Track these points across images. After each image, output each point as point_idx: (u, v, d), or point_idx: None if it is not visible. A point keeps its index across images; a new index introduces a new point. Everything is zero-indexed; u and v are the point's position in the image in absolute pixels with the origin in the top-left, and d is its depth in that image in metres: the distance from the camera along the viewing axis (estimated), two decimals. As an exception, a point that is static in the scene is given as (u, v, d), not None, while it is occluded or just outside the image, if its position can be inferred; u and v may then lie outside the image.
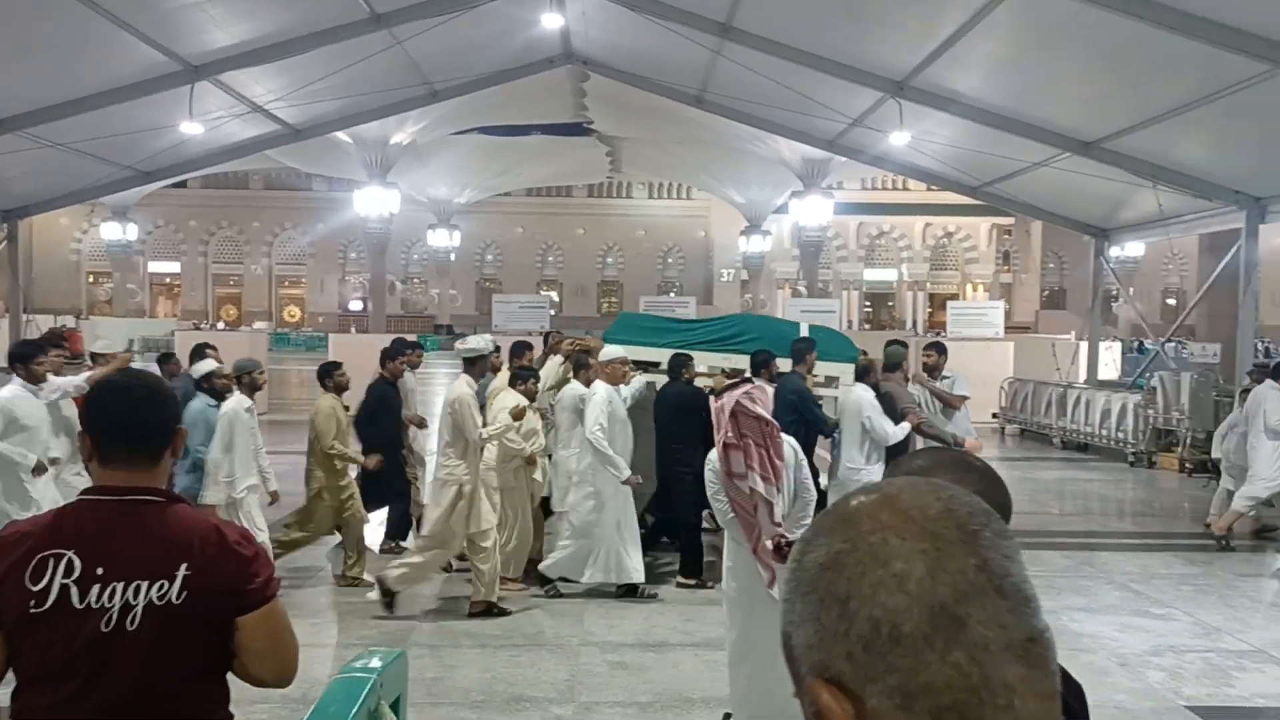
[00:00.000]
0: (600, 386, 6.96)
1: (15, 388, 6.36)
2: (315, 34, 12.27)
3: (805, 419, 7.00)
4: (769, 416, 4.67)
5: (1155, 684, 5.52)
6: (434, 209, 35.02)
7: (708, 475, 4.67)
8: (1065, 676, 1.46)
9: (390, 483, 7.87)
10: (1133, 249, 36.08)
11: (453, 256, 37.76)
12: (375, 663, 2.66)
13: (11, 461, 6.08)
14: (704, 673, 5.45)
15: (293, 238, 45.69)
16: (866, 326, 39.98)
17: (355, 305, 44.48)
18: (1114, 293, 30.16)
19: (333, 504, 7.19)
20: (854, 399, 7.16)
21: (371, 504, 7.71)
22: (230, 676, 2.03)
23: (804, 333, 8.20)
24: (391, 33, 12.58)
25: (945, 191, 18.25)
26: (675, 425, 7.24)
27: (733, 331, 8.52)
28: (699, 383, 7.55)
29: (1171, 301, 44.85)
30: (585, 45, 15.89)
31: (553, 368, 8.14)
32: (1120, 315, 40.19)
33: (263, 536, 6.15)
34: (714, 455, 4.59)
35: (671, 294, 40.27)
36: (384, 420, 7.87)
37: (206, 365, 7.00)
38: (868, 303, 44.41)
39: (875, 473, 6.82)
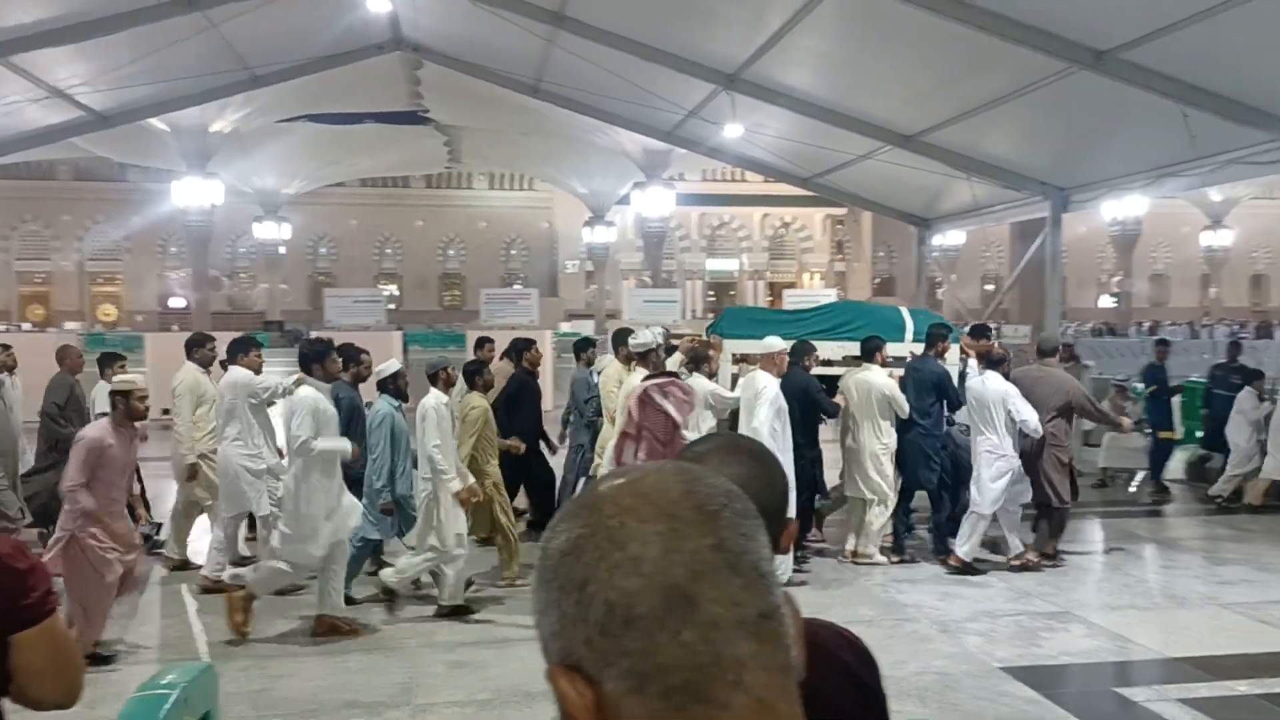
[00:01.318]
0: (766, 378, 6.95)
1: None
2: (122, 14, 11.48)
3: (948, 400, 7.75)
4: (677, 416, 4.64)
5: (972, 648, 5.84)
6: (261, 200, 33.48)
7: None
8: (856, 646, 1.50)
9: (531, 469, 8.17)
10: (954, 237, 38.09)
11: (283, 250, 36.17)
12: (176, 678, 2.50)
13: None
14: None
15: (106, 231, 42.76)
16: (710, 315, 40.77)
17: (177, 302, 42.11)
18: (938, 279, 31.78)
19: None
20: (994, 388, 7.49)
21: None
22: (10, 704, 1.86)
23: (907, 318, 8.70)
24: (206, 15, 11.91)
25: (780, 183, 18.75)
26: (794, 412, 7.17)
27: (842, 320, 8.87)
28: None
29: (990, 287, 47.59)
30: (415, 31, 15.49)
31: (615, 368, 7.98)
32: (945, 300, 42.41)
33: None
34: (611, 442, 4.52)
35: (515, 285, 39.91)
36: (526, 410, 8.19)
37: (393, 366, 6.96)
38: (711, 292, 45.27)
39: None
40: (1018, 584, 7.20)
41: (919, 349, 8.15)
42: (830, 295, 18.83)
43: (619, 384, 7.65)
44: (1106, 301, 57.27)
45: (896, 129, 12.89)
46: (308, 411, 5.91)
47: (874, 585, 7.13)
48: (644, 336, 7.00)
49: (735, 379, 7.86)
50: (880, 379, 7.73)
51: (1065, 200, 13.77)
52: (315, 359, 6.40)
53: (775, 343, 7.28)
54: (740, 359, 8.04)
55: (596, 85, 13.88)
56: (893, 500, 7.74)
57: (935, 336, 8.00)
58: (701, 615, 0.68)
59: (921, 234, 17.73)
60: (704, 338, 8.50)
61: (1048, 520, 7.77)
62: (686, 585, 0.68)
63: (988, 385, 7.55)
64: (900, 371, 7.99)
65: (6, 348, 8.06)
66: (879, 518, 7.71)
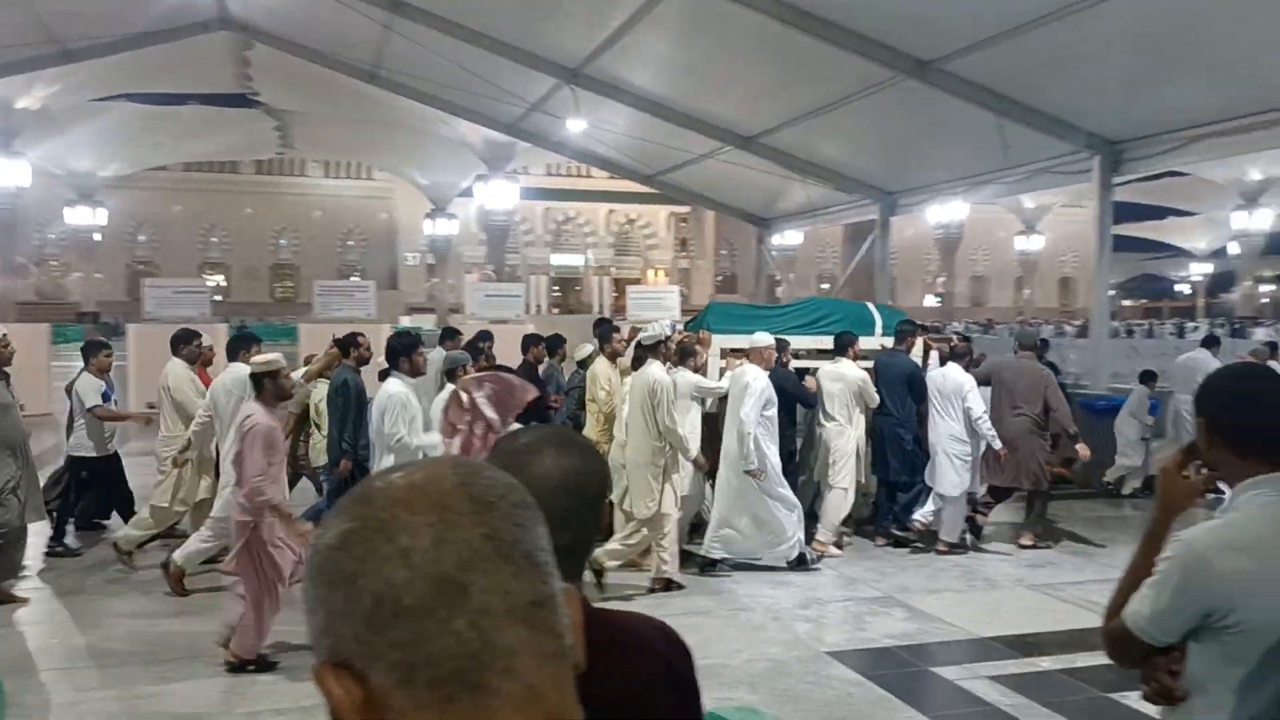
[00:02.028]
0: (755, 371, 7.15)
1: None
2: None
3: (915, 394, 8.12)
4: (492, 415, 4.54)
5: (802, 634, 6.02)
6: (74, 184, 31.27)
7: None
8: (671, 638, 1.51)
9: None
10: (791, 237, 39.34)
11: (98, 237, 33.91)
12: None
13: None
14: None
15: (-104, 214, 39.03)
16: (555, 311, 40.69)
17: (-21, 291, 38.80)
18: (778, 277, 32.75)
19: None
20: (953, 379, 7.98)
21: None
22: None
23: (875, 314, 9.11)
24: (10, -18, 11.03)
25: (626, 180, 18.90)
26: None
27: (819, 315, 9.11)
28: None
29: (826, 285, 49.46)
30: (244, 10, 14.77)
31: (603, 364, 7.93)
32: (784, 299, 43.76)
33: None
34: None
35: (353, 278, 38.68)
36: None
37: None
38: (556, 287, 45.22)
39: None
40: (846, 571, 7.47)
41: (888, 343, 8.58)
42: (674, 292, 19.07)
43: (609, 380, 7.72)
44: (931, 301, 60.40)
45: (737, 130, 13.19)
46: (400, 407, 5.86)
47: (711, 577, 7.25)
48: (654, 329, 7.13)
49: (723, 372, 8.01)
50: (853, 371, 8.08)
51: (893, 204, 14.43)
52: (402, 353, 6.21)
53: (764, 338, 7.46)
54: (731, 352, 8.17)
55: (437, 74, 13.61)
56: (852, 493, 8.09)
57: (904, 332, 8.52)
58: (472, 604, 0.68)
59: (761, 233, 18.22)
60: (691, 333, 8.64)
61: (1038, 502, 8.33)
62: (457, 574, 0.68)
63: (948, 377, 8.06)
64: (870, 363, 8.41)
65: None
66: (838, 509, 7.97)
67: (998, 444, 7.88)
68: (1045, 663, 5.57)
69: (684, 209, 42.97)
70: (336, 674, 0.68)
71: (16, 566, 6.69)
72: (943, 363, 8.37)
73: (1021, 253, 50.97)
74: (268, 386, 5.38)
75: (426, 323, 26.88)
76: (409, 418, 5.88)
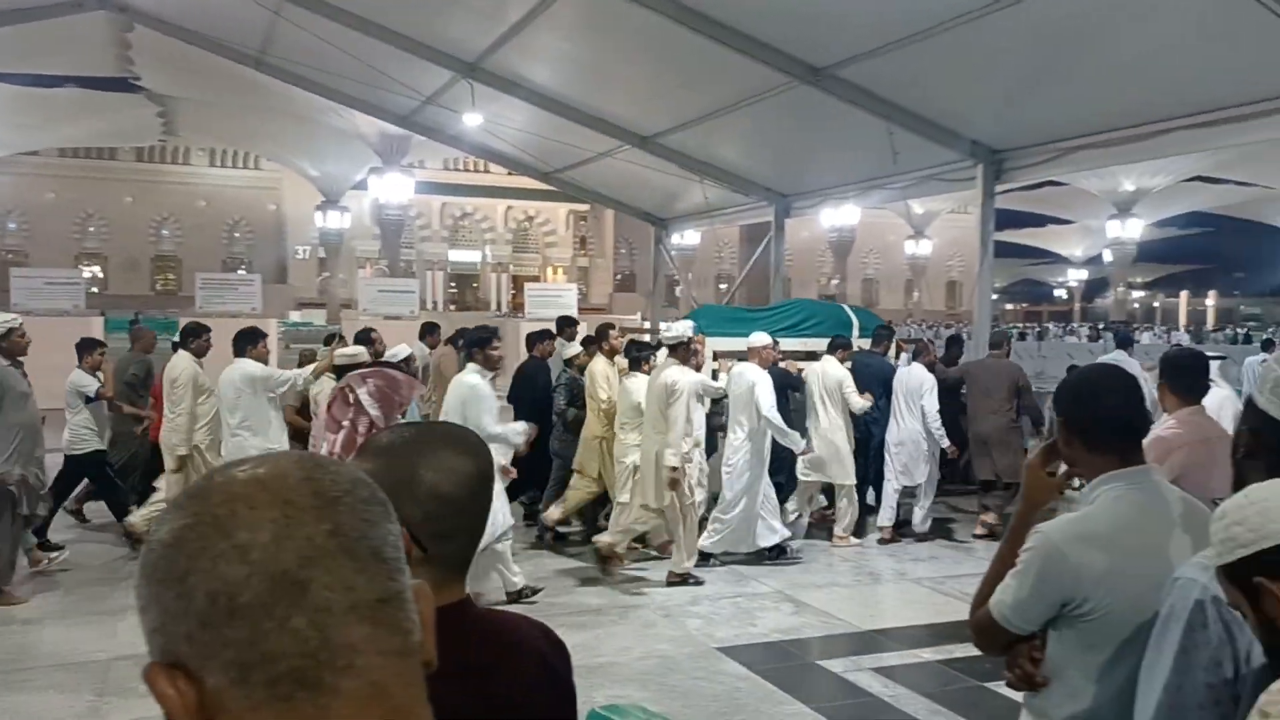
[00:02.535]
0: (757, 370, 7.57)
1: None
2: None
3: (890, 395, 8.56)
4: (374, 413, 4.43)
5: (693, 630, 6.08)
6: (-64, 167, 29.46)
7: None
8: (551, 638, 1.51)
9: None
10: (690, 237, 39.62)
11: (-36, 223, 32.00)
12: None
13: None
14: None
15: None
16: (452, 307, 40.15)
17: None
18: (676, 277, 33.01)
19: None
20: (917, 377, 8.50)
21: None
22: None
23: (852, 316, 9.68)
24: None
25: (524, 176, 18.76)
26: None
27: (801, 317, 9.57)
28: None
29: (724, 286, 50.05)
30: (125, -11, 14.13)
31: (602, 362, 8.13)
32: (682, 298, 44.15)
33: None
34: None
35: (240, 270, 37.43)
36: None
37: (404, 350, 7.53)
38: (453, 283, 44.61)
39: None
40: (737, 568, 7.57)
41: (865, 344, 9.04)
42: (572, 290, 19.05)
43: (607, 379, 7.97)
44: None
45: (635, 129, 13.20)
46: (481, 398, 6.08)
47: (603, 573, 7.26)
48: (677, 329, 7.42)
49: (715, 373, 8.28)
50: (838, 370, 8.37)
51: (788, 206, 14.67)
52: (478, 345, 6.48)
53: (762, 337, 7.86)
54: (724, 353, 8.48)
55: (328, 63, 13.24)
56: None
57: (882, 335, 9.20)
58: (312, 601, 0.67)
59: (659, 233, 18.30)
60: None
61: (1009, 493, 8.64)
62: (296, 571, 0.67)
63: (912, 375, 8.56)
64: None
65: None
66: (853, 504, 8.40)
67: (945, 443, 8.31)
68: (925, 654, 5.75)
69: (583, 207, 42.93)
70: (169, 674, 0.66)
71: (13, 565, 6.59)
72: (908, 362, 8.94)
73: (911, 256, 52.53)
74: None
75: (317, 318, 26.17)
76: (489, 408, 6.15)
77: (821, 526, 8.66)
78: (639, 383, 7.46)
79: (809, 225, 49.99)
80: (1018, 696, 2.25)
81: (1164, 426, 3.50)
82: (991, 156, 10.83)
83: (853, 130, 10.93)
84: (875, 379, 8.60)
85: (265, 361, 7.42)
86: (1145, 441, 3.54)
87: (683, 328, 7.46)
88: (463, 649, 1.33)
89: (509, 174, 25.44)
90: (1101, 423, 2.11)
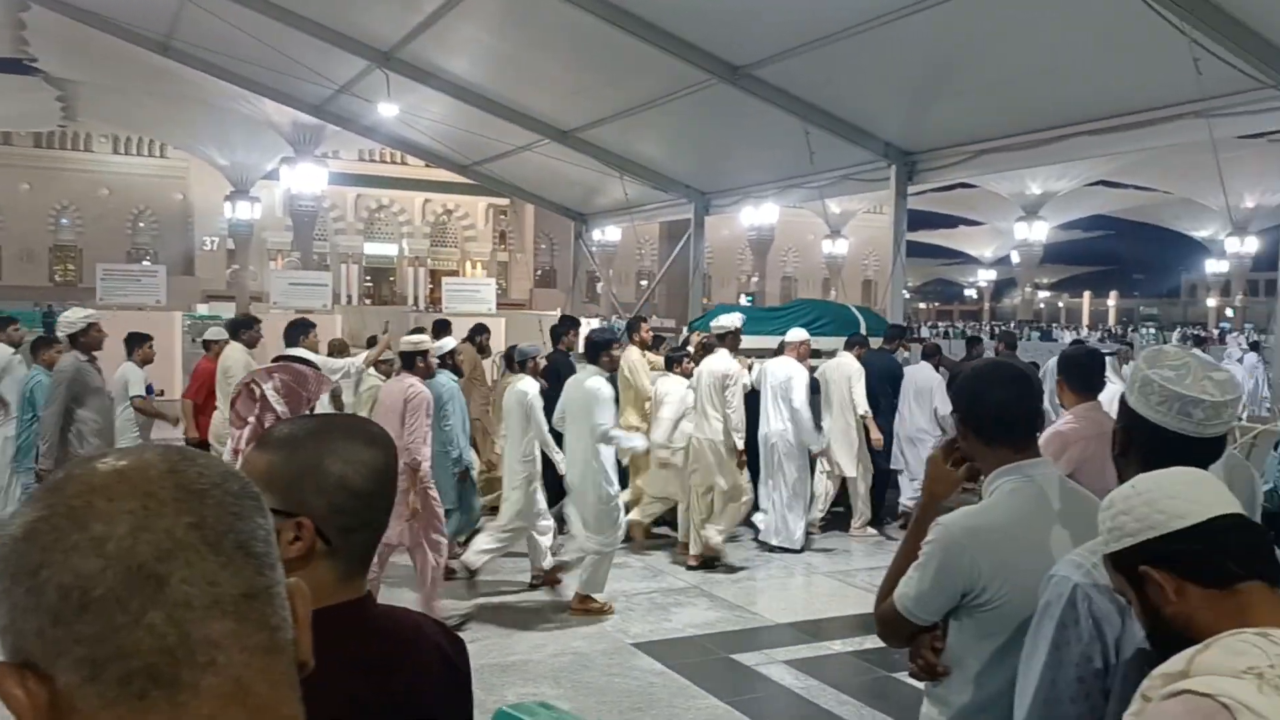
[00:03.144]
0: (795, 365, 7.91)
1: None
2: None
3: (898, 393, 8.90)
4: (280, 408, 4.30)
5: (607, 626, 6.07)
6: None
7: None
8: (450, 634, 1.49)
9: None
10: (611, 233, 39.55)
11: None
12: None
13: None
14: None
15: None
16: (368, 301, 39.44)
17: None
18: (597, 273, 32.97)
19: None
20: (925, 377, 8.89)
21: None
22: None
23: (859, 316, 10.12)
24: None
25: (442, 169, 18.49)
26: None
27: (812, 317, 10.03)
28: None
29: (645, 283, 50.18)
30: (20, -34, 13.53)
31: (635, 354, 8.36)
32: (602, 295, 44.12)
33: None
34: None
35: (145, 261, 36.17)
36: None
37: (450, 343, 7.53)
38: (368, 277, 43.81)
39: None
40: (654, 564, 7.59)
41: (876, 342, 9.45)
42: (491, 285, 18.87)
43: (644, 370, 8.27)
44: (744, 299, 62.36)
45: (555, 123, 13.14)
46: (605, 401, 6.23)
47: (518, 571, 7.21)
48: (726, 321, 7.91)
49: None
50: (852, 366, 8.62)
51: (707, 204, 14.77)
52: (604, 347, 6.53)
53: (800, 333, 8.22)
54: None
55: (238, 50, 12.87)
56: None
57: (894, 334, 9.69)
58: (170, 596, 0.65)
59: (579, 228, 18.26)
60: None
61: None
62: (154, 565, 0.65)
63: (920, 373, 9.01)
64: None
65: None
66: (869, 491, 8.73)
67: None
68: (836, 645, 5.85)
69: (503, 201, 42.54)
70: (19, 675, 0.64)
71: None
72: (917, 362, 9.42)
73: (828, 255, 53.30)
74: (419, 364, 6.25)
75: (226, 310, 25.44)
76: (610, 411, 6.34)
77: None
78: (672, 383, 7.95)
79: (729, 223, 50.39)
80: (922, 686, 2.29)
81: (1062, 421, 3.62)
82: (904, 158, 11.07)
83: (771, 129, 11.05)
84: (886, 376, 8.97)
85: (315, 350, 7.29)
86: (1044, 436, 3.66)
87: (732, 319, 7.96)
88: (363, 644, 1.31)
89: (427, 166, 25.04)
90: (994, 418, 2.16)
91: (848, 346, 8.87)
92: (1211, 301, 58.12)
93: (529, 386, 6.87)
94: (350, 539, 1.32)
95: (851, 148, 10.99)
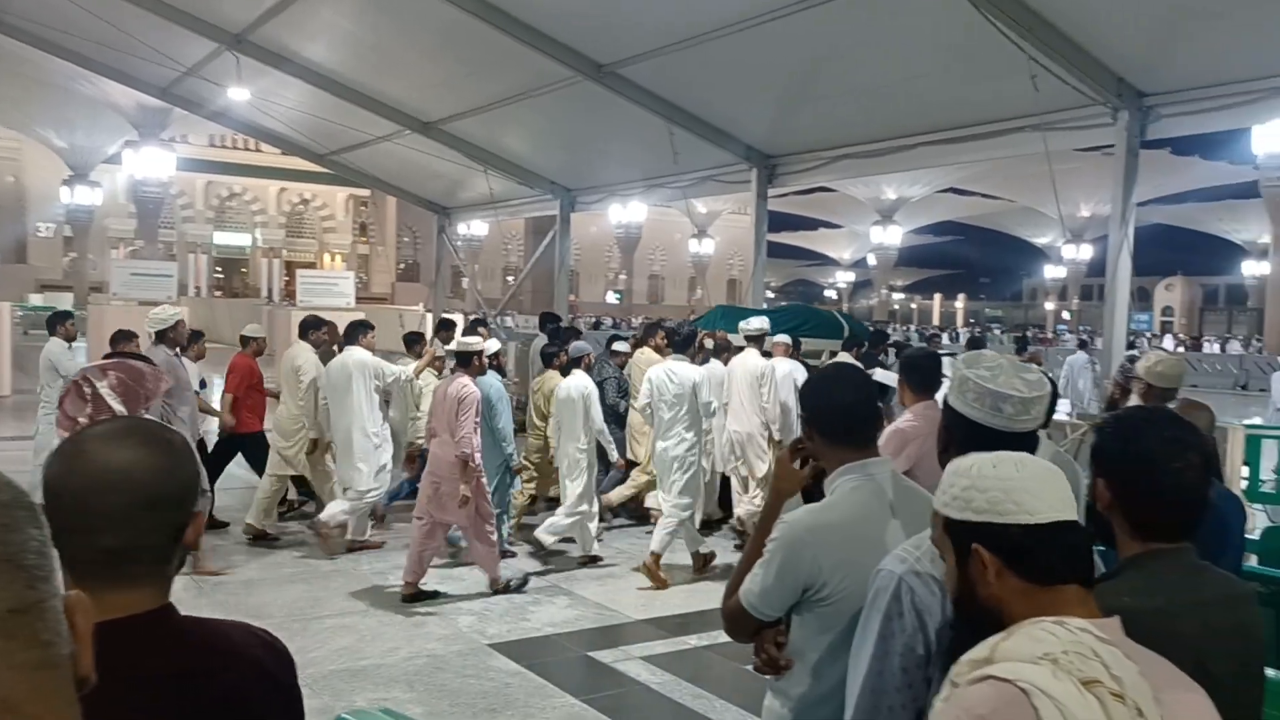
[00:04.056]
0: (790, 363, 8.56)
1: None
2: None
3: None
4: (117, 406, 4.04)
5: (464, 628, 5.98)
6: None
7: None
8: (272, 647, 1.42)
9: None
10: (478, 228, 39.09)
11: None
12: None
13: None
14: None
15: None
16: (218, 293, 37.80)
17: None
18: (462, 268, 32.50)
19: None
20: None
21: None
22: None
23: (843, 321, 10.99)
24: None
25: (298, 157, 17.86)
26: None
27: (800, 320, 10.69)
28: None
29: (511, 278, 49.80)
30: None
31: (649, 355, 8.92)
32: (468, 289, 43.52)
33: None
34: None
35: (-29, 248, 33.67)
36: None
37: (494, 345, 8.10)
38: (219, 268, 41.96)
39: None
40: (514, 563, 7.51)
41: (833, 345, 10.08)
42: (349, 278, 18.36)
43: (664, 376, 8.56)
44: (612, 297, 62.68)
45: (416, 114, 12.88)
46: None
47: (373, 574, 7.03)
48: (755, 324, 8.46)
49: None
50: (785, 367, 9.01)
51: (573, 201, 14.76)
52: (689, 341, 7.82)
53: (782, 337, 8.91)
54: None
55: (75, 25, 12.10)
56: None
57: (878, 337, 10.38)
58: None
59: (442, 222, 17.95)
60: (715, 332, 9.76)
61: None
62: None
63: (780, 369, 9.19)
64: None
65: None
66: None
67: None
68: (693, 640, 5.91)
69: (365, 192, 41.43)
70: None
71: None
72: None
73: (695, 255, 54.09)
74: (474, 363, 6.74)
75: (64, 301, 23.94)
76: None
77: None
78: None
79: (597, 221, 50.51)
80: (766, 679, 2.33)
81: (902, 420, 3.76)
82: (765, 161, 11.32)
83: (636, 128, 11.12)
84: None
85: (373, 351, 7.68)
86: (885, 433, 3.79)
87: (760, 323, 8.55)
88: (161, 656, 1.24)
89: (283, 154, 24.18)
90: (836, 418, 2.23)
91: (845, 347, 9.56)
92: (1050, 305, 61.74)
93: (585, 383, 7.55)
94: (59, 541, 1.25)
95: (714, 149, 11.17)
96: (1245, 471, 9.66)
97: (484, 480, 6.65)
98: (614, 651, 5.69)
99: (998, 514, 1.40)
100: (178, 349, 7.27)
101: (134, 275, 15.63)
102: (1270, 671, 3.14)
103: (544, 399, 8.28)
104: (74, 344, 9.08)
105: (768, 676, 2.30)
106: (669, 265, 66.80)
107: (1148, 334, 45.37)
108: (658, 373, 7.44)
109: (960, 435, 1.92)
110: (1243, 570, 3.73)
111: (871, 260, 55.43)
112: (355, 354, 7.53)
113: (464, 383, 6.57)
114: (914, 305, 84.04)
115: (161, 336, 7.08)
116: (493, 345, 8.06)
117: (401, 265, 49.41)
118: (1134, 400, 4.62)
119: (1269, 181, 31.82)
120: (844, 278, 72.42)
